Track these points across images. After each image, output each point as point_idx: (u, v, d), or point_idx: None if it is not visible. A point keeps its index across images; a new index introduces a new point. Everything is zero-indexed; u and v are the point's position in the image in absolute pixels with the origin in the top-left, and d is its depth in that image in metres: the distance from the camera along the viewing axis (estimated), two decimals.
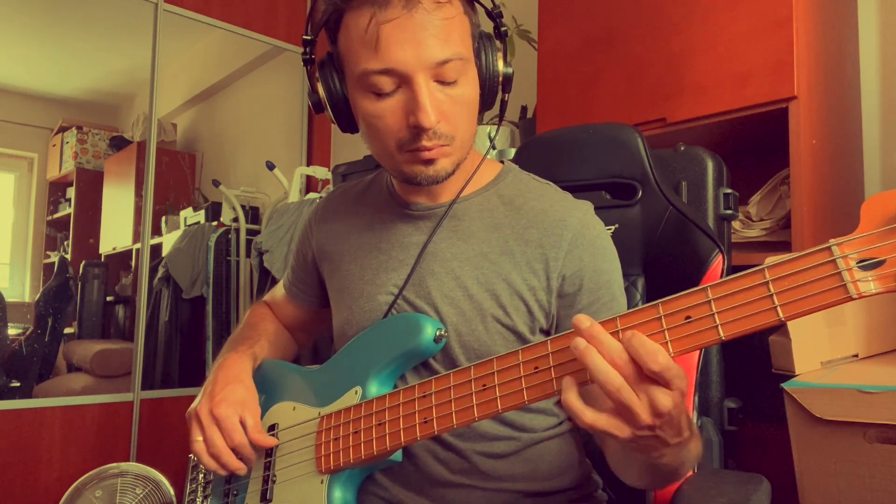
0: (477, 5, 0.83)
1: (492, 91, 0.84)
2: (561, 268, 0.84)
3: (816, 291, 0.53)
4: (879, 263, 0.51)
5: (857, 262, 0.52)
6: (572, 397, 0.60)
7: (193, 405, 0.89)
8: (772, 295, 0.55)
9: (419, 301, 0.87)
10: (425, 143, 0.79)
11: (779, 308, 0.55)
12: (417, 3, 0.73)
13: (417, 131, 0.77)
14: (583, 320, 0.59)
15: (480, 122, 0.87)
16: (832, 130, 1.40)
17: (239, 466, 0.85)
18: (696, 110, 1.42)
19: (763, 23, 1.33)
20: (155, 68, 2.71)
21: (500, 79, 0.84)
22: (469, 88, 0.81)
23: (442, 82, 0.77)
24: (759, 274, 0.56)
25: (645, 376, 0.57)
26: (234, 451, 0.85)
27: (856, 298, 0.52)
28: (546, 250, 0.85)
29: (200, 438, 0.86)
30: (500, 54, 0.84)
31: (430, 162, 0.81)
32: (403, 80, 0.76)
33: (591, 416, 0.59)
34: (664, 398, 0.56)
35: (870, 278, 0.52)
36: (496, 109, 0.90)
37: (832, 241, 0.53)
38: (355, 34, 0.76)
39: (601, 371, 0.57)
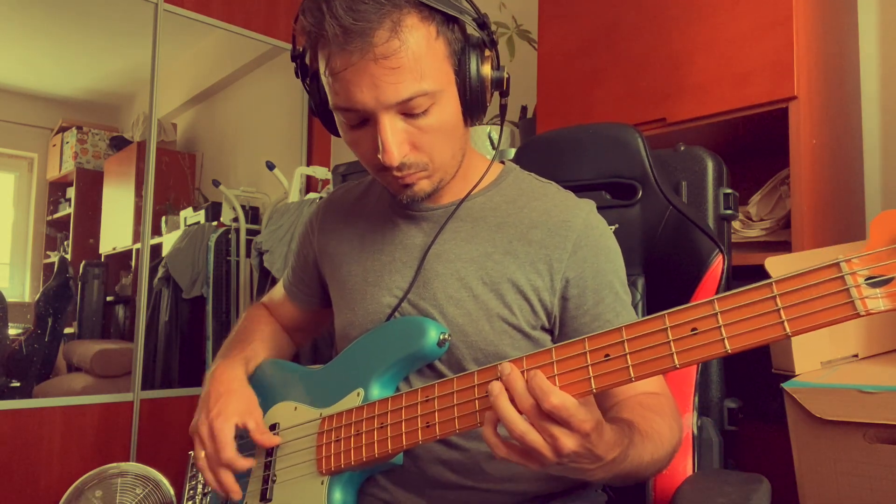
0: (464, 15, 0.80)
1: (477, 101, 0.82)
2: (565, 269, 0.84)
3: (824, 307, 0.53)
4: (888, 281, 0.51)
5: (866, 279, 0.52)
6: (489, 432, 0.64)
7: (194, 421, 0.90)
8: (779, 309, 0.55)
9: (423, 303, 0.87)
10: (397, 174, 0.80)
11: (786, 323, 0.54)
12: (371, 48, 0.71)
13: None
14: (504, 367, 0.64)
15: (480, 122, 0.87)
16: (832, 131, 1.40)
17: (234, 489, 0.85)
18: (696, 110, 1.42)
19: (763, 23, 1.33)
20: (155, 68, 2.71)
21: (489, 85, 0.82)
22: (444, 114, 0.79)
23: (409, 115, 0.77)
24: (767, 288, 0.55)
25: (544, 414, 0.60)
26: (226, 467, 0.85)
27: (863, 315, 0.52)
28: (550, 251, 0.85)
29: (203, 454, 0.86)
30: (488, 61, 0.81)
31: (407, 185, 0.82)
32: (369, 116, 0.77)
33: (504, 452, 0.63)
34: (567, 441, 0.60)
35: (878, 295, 0.52)
36: (496, 108, 0.90)
37: (840, 256, 0.53)
38: (322, 71, 0.78)
39: (508, 417, 0.61)
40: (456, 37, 0.79)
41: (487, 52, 0.82)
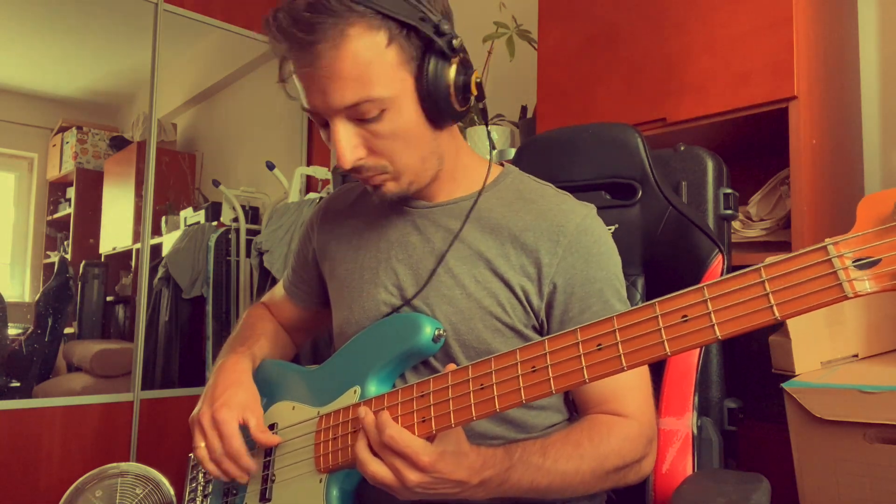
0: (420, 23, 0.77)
1: (439, 107, 0.80)
2: (553, 274, 0.84)
3: (812, 290, 0.53)
4: (875, 262, 0.51)
5: (853, 262, 0.52)
6: (360, 469, 0.72)
7: (195, 411, 0.89)
8: (768, 294, 0.55)
9: (418, 301, 0.87)
10: (356, 175, 0.82)
11: (775, 307, 0.54)
12: (315, 59, 0.74)
13: None
14: (360, 411, 0.73)
15: (473, 123, 0.87)
16: (832, 130, 1.40)
17: (240, 475, 0.85)
18: (696, 110, 1.42)
19: (763, 23, 1.33)
20: (155, 68, 2.71)
21: (452, 91, 0.79)
22: (400, 120, 0.79)
23: (362, 119, 0.78)
24: (755, 273, 0.56)
25: (386, 447, 0.68)
26: (232, 458, 0.85)
27: (851, 298, 0.52)
28: (540, 255, 0.84)
29: (203, 444, 0.86)
30: (451, 66, 0.79)
31: (375, 187, 0.84)
32: (327, 119, 0.79)
33: (371, 483, 0.71)
34: (408, 473, 0.67)
35: (865, 277, 0.52)
36: (498, 108, 0.90)
37: (828, 240, 0.53)
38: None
39: (360, 458, 0.71)
40: (412, 43, 0.78)
41: (453, 58, 0.79)
